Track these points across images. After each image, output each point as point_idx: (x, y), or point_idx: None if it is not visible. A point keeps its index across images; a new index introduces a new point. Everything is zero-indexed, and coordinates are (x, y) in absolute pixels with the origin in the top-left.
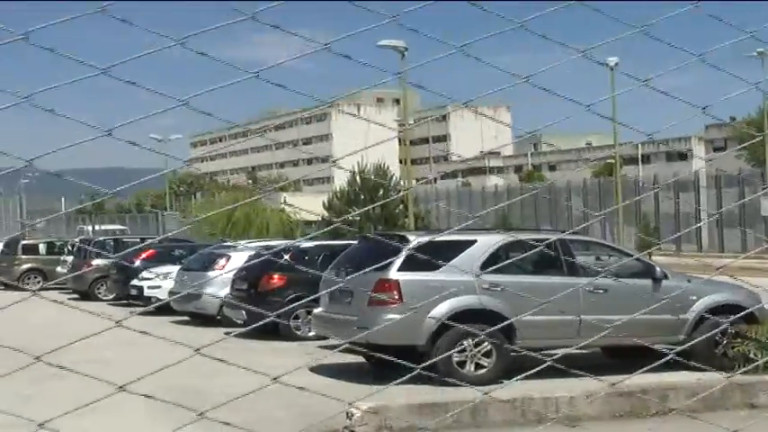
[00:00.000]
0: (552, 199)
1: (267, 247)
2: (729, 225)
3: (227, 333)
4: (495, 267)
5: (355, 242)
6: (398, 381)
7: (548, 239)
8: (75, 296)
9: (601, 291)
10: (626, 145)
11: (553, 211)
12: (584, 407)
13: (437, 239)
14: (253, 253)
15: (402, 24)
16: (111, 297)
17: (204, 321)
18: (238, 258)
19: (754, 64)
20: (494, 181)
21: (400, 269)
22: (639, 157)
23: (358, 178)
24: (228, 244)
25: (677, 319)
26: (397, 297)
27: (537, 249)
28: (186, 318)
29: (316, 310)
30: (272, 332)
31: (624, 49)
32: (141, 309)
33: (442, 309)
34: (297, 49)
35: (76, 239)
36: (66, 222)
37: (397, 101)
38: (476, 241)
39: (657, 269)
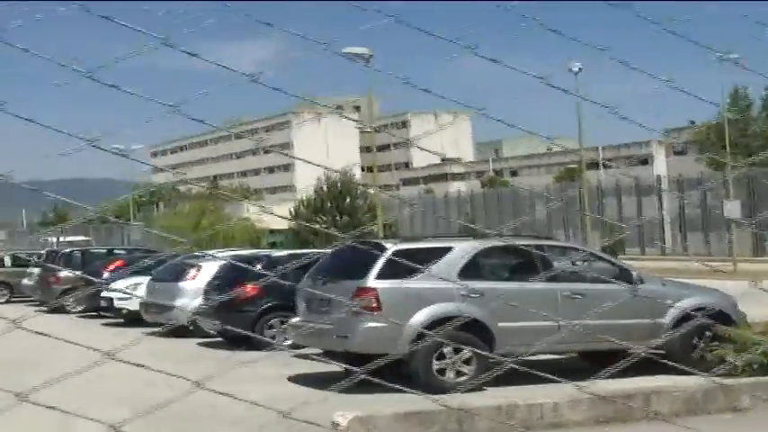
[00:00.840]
0: (515, 204)
1: (237, 257)
2: (692, 228)
3: (199, 344)
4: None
5: (330, 250)
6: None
7: (524, 245)
8: (42, 309)
9: (579, 296)
10: (588, 149)
11: (517, 216)
12: (569, 413)
13: (414, 247)
14: (224, 263)
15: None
16: (79, 309)
17: (176, 332)
18: (209, 268)
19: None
20: (455, 187)
21: (378, 277)
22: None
23: (324, 186)
24: (199, 254)
25: (654, 322)
26: (375, 305)
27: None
28: (158, 329)
29: (293, 320)
30: (245, 342)
31: (589, 55)
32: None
33: (420, 316)
34: (255, 58)
35: (42, 251)
36: (28, 234)
37: (358, 108)
38: (453, 248)
39: (634, 273)
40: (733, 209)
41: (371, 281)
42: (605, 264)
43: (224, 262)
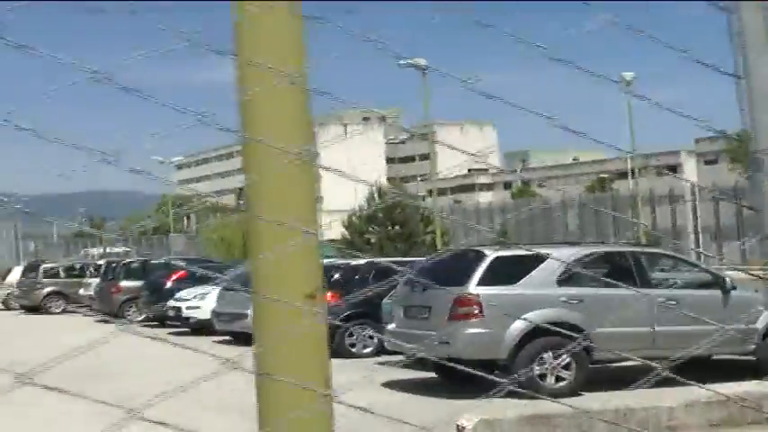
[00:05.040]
0: (548, 214)
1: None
2: (727, 238)
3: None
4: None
5: (412, 259)
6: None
7: (620, 252)
8: (103, 318)
9: (673, 302)
10: (615, 160)
11: (549, 226)
12: (684, 416)
13: (514, 254)
14: None
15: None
16: (141, 318)
17: (247, 340)
18: None
19: None
20: (483, 197)
21: (479, 284)
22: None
23: (377, 196)
24: None
25: (746, 329)
26: (477, 312)
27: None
28: (228, 338)
29: (389, 326)
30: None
31: (629, 67)
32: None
33: (521, 323)
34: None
35: (100, 262)
36: (65, 246)
37: (383, 119)
38: (551, 255)
39: (727, 280)
40: None
41: (473, 287)
42: (698, 270)
43: None
